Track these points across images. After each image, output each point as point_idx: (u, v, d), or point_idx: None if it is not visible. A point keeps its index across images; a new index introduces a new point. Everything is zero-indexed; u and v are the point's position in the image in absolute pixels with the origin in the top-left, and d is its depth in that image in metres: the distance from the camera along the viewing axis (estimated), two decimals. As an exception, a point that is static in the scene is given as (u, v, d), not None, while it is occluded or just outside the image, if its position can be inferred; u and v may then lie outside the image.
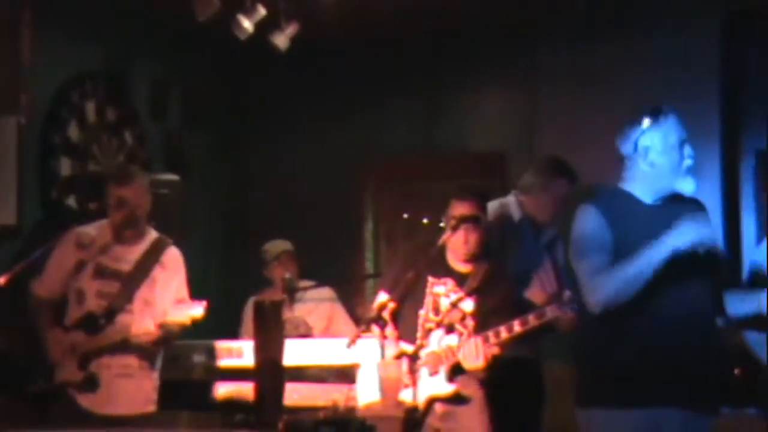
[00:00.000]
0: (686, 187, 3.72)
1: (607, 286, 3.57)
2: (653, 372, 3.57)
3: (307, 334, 5.73)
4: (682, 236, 3.53)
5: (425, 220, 6.10)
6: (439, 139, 6.70)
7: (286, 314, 5.75)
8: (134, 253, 4.56)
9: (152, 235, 4.66)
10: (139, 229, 4.59)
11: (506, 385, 4.60)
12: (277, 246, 5.97)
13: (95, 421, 4.37)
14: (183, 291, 4.67)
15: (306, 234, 6.19)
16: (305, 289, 5.85)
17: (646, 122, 3.71)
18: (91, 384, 4.42)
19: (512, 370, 4.54)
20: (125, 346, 4.47)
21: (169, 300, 4.59)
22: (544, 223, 5.02)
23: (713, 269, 3.61)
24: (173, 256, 4.65)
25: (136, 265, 4.54)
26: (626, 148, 3.75)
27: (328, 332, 5.75)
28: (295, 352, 5.09)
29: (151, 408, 4.59)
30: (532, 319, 4.20)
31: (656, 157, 3.70)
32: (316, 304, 5.89)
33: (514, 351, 4.36)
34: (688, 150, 3.71)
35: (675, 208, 3.71)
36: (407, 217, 6.78)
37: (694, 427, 3.61)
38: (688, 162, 3.71)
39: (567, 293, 4.04)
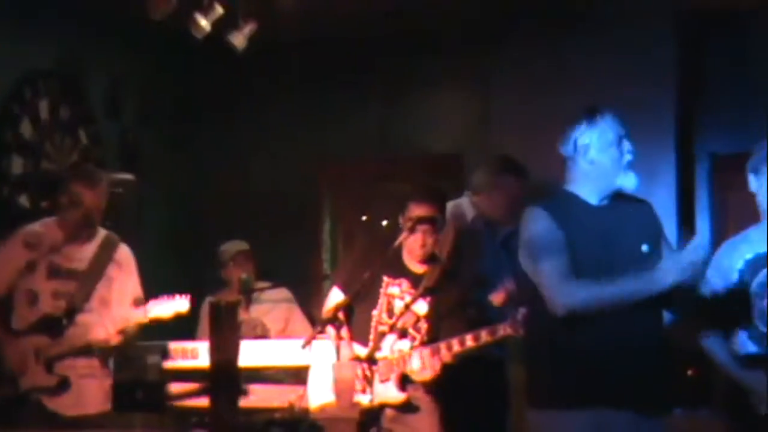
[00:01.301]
0: (627, 182, 3.76)
1: (577, 294, 3.60)
2: (600, 373, 3.60)
3: (263, 336, 5.73)
4: (662, 282, 3.57)
5: (385, 222, 6.09)
6: (396, 140, 6.69)
7: (243, 315, 5.78)
8: (87, 251, 4.51)
9: (101, 232, 4.61)
10: (94, 228, 4.54)
11: (470, 386, 4.62)
12: (234, 246, 5.95)
13: (64, 423, 4.32)
14: (138, 289, 4.64)
15: (263, 234, 6.17)
16: (261, 290, 5.84)
17: (584, 121, 3.76)
18: (64, 387, 4.38)
19: (476, 370, 4.56)
20: (95, 348, 4.43)
21: (127, 299, 4.55)
22: (500, 221, 5.05)
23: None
24: (126, 254, 4.62)
25: (90, 264, 4.50)
26: (567, 148, 3.80)
27: (284, 333, 5.74)
28: (251, 353, 5.08)
29: (109, 406, 4.54)
30: (484, 335, 4.23)
31: (595, 155, 3.75)
32: (273, 305, 5.87)
33: (479, 351, 4.37)
34: (626, 145, 3.77)
35: (620, 208, 3.76)
36: (366, 219, 6.77)
37: (643, 428, 3.64)
38: (627, 157, 3.77)
39: (522, 311, 4.06)
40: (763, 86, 6.05)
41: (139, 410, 4.92)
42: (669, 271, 3.59)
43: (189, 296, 4.51)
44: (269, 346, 5.13)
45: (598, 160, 3.75)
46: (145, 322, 4.52)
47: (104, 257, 4.52)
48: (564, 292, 3.62)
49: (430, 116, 6.66)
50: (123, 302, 4.56)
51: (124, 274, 4.58)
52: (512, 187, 5.05)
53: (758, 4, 5.93)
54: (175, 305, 4.47)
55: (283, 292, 5.90)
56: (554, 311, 3.64)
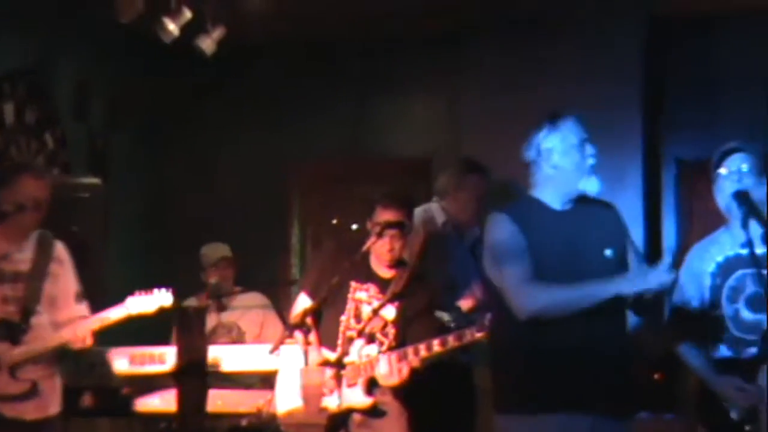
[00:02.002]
0: (590, 186, 3.75)
1: (540, 298, 3.61)
2: (566, 378, 3.61)
3: (239, 340, 5.72)
4: (626, 286, 3.59)
5: (355, 226, 6.10)
6: (366, 143, 6.70)
7: (219, 319, 5.76)
8: (26, 251, 4.37)
9: (34, 231, 4.49)
10: (34, 227, 4.43)
11: (437, 391, 4.63)
12: (215, 253, 5.92)
13: (25, 427, 4.27)
14: (77, 284, 4.54)
15: (231, 238, 6.13)
16: (230, 294, 5.83)
17: (546, 126, 3.77)
18: (33, 393, 4.32)
19: (443, 375, 4.56)
20: (62, 351, 4.38)
21: (72, 295, 4.47)
22: (468, 222, 5.08)
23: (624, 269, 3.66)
24: (63, 249, 4.47)
25: (33, 264, 4.37)
26: (530, 153, 3.81)
27: (260, 338, 5.73)
28: (219, 359, 5.06)
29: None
30: (451, 341, 4.23)
31: (558, 159, 3.75)
32: (248, 310, 5.87)
33: (446, 355, 4.37)
34: (589, 149, 3.76)
35: (584, 212, 3.77)
36: (336, 222, 6.77)
37: (607, 432, 3.66)
38: (590, 161, 3.76)
39: (488, 316, 4.07)
40: (729, 92, 6.11)
41: (105, 416, 4.91)
42: (632, 281, 3.60)
43: (171, 289, 4.40)
44: (237, 351, 5.14)
45: (561, 164, 3.76)
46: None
47: (44, 256, 4.39)
48: (526, 297, 3.63)
49: (400, 120, 6.67)
50: (69, 299, 4.44)
51: (65, 270, 4.46)
52: (477, 187, 5.12)
53: (725, 10, 5.99)
54: (159, 299, 4.37)
55: (258, 298, 5.90)
56: (517, 316, 3.65)
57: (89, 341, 4.36)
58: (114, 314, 4.34)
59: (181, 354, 4.87)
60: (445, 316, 4.65)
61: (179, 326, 4.98)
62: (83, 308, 4.42)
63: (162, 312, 4.51)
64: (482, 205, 5.07)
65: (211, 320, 5.80)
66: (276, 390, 4.56)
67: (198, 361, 4.96)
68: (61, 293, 4.41)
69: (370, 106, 6.67)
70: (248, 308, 5.86)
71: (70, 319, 4.38)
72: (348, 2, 5.78)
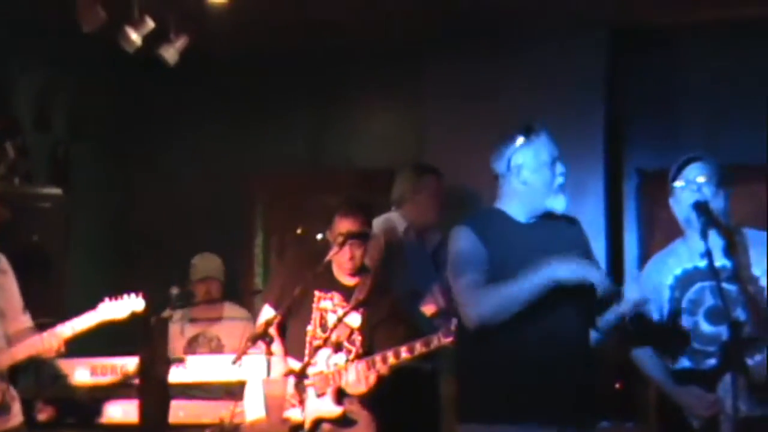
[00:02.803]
0: (557, 204, 3.75)
1: (482, 303, 3.61)
2: (525, 388, 3.62)
3: (218, 351, 5.72)
4: (560, 271, 3.58)
5: (320, 236, 6.09)
6: (329, 154, 6.70)
7: (201, 330, 5.75)
8: None
9: None
10: None
11: (402, 398, 4.63)
12: (202, 268, 5.90)
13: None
14: (19, 295, 4.51)
15: (194, 248, 6.11)
16: (197, 305, 5.83)
17: (519, 140, 3.77)
18: (6, 408, 4.30)
19: (408, 383, 4.57)
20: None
21: (19, 306, 4.43)
22: (430, 225, 5.10)
23: (589, 290, 3.66)
24: (5, 260, 4.46)
25: None
26: (499, 166, 3.79)
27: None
28: (182, 370, 5.04)
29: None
30: (418, 347, 4.24)
31: (528, 175, 3.75)
32: (229, 322, 5.86)
33: (411, 363, 4.37)
34: (559, 168, 3.75)
35: (548, 227, 3.77)
36: (300, 232, 6.76)
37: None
38: (559, 180, 3.75)
39: (454, 321, 4.08)
40: (689, 103, 6.17)
41: (68, 428, 4.87)
42: (567, 267, 3.58)
43: (142, 294, 4.39)
44: (199, 362, 5.12)
45: (531, 181, 3.75)
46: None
47: None
48: (471, 305, 3.63)
49: (364, 131, 6.68)
50: (17, 310, 4.43)
51: (10, 282, 4.45)
52: (434, 187, 5.14)
53: (686, 22, 6.05)
54: (130, 304, 4.37)
55: (236, 309, 5.91)
56: (467, 325, 3.66)
57: (62, 350, 4.35)
58: (86, 320, 4.33)
59: (143, 366, 4.85)
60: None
61: (142, 337, 4.96)
62: (29, 319, 4.40)
63: (122, 321, 4.52)
64: (441, 204, 5.11)
65: (192, 330, 5.80)
66: (243, 400, 4.55)
67: (160, 372, 4.94)
68: (8, 305, 4.38)
69: (332, 117, 6.67)
70: (228, 320, 5.86)
71: (20, 331, 4.36)
72: (310, 13, 5.78)
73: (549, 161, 3.74)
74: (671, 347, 4.01)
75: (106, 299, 4.39)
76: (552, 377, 3.62)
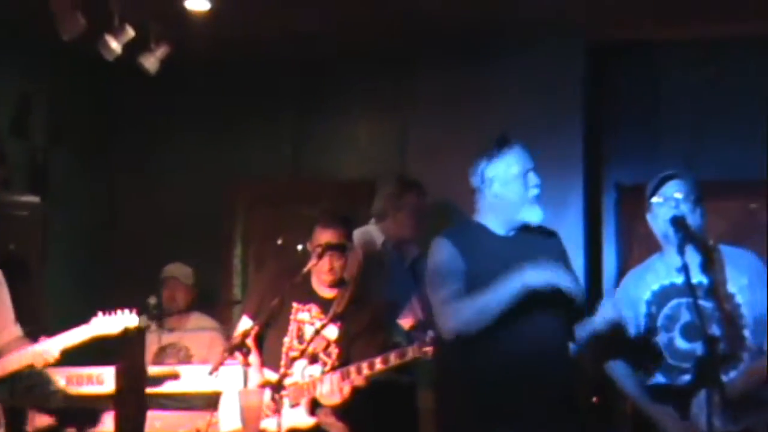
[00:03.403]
0: (531, 216, 3.77)
1: (457, 315, 3.62)
2: (504, 400, 3.62)
3: (186, 361, 5.70)
4: (531, 277, 3.59)
5: (300, 247, 6.09)
6: (310, 164, 6.69)
7: (169, 340, 5.73)
8: None
9: None
10: None
11: (380, 410, 4.63)
12: (167, 270, 5.96)
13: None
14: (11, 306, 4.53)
15: (173, 258, 6.10)
16: (170, 315, 5.81)
17: (492, 153, 3.78)
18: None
19: (386, 395, 4.57)
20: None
21: (11, 317, 4.43)
22: (407, 240, 5.09)
23: (567, 301, 3.67)
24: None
25: None
26: (475, 179, 3.82)
27: (207, 360, 5.68)
28: (158, 379, 5.02)
29: None
30: (393, 358, 4.23)
31: (500, 188, 3.77)
32: (197, 332, 5.85)
33: (388, 375, 4.37)
34: (532, 179, 3.77)
35: (526, 239, 3.78)
36: (281, 242, 6.75)
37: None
38: (533, 192, 3.77)
39: (430, 333, 4.09)
40: (668, 118, 6.20)
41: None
42: (538, 273, 3.60)
43: (136, 311, 4.38)
44: (185, 372, 5.10)
45: (502, 193, 3.77)
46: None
47: None
48: (444, 317, 3.65)
49: (345, 142, 6.67)
50: (8, 320, 4.44)
51: (3, 292, 4.46)
52: (415, 205, 5.13)
53: (665, 37, 6.08)
54: (124, 320, 4.35)
55: (204, 319, 5.90)
56: (444, 338, 3.66)
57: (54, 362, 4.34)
58: (78, 334, 4.33)
59: (120, 375, 4.82)
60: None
61: (119, 347, 4.93)
62: (19, 329, 4.39)
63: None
64: (421, 221, 5.11)
65: (160, 340, 5.77)
66: (219, 411, 4.53)
67: (137, 382, 4.92)
68: (0, 314, 4.38)
69: (313, 127, 6.66)
70: (197, 330, 5.84)
71: (10, 341, 4.35)
72: (291, 22, 5.78)
73: (521, 173, 3.76)
74: (645, 363, 4.02)
75: (99, 314, 4.38)
76: (531, 389, 3.63)
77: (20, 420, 4.65)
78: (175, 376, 4.71)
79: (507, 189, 3.77)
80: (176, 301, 5.92)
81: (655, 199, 4.02)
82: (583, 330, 3.76)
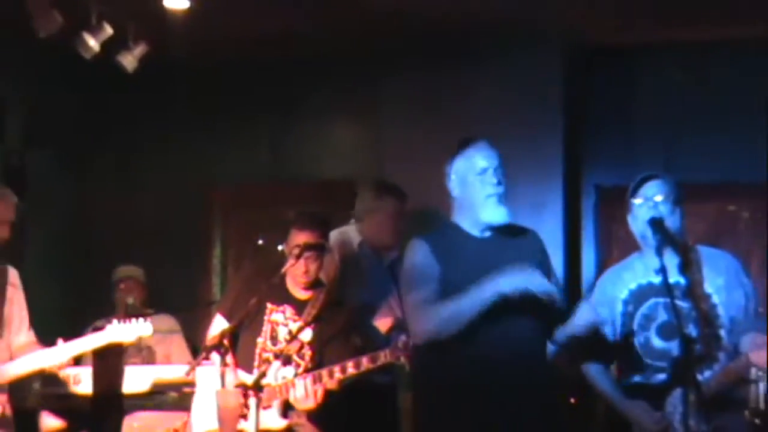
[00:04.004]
0: (493, 217, 3.70)
1: (430, 319, 3.59)
2: (479, 403, 3.61)
3: (149, 361, 5.68)
4: (505, 284, 3.57)
5: (281, 247, 6.08)
6: (288, 165, 6.67)
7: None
8: None
9: None
10: None
11: (360, 412, 4.62)
12: (124, 271, 5.93)
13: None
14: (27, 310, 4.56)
15: (152, 259, 6.08)
16: (145, 316, 5.78)
17: (456, 152, 3.77)
18: (8, 422, 4.30)
19: (366, 396, 4.56)
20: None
21: (25, 320, 4.50)
22: (385, 245, 5.08)
23: (544, 305, 3.66)
24: (15, 274, 4.55)
25: None
26: (446, 180, 3.79)
27: (168, 361, 5.68)
28: (135, 379, 5.00)
29: None
30: (365, 362, 4.24)
31: (460, 187, 3.74)
32: (158, 332, 5.81)
33: (365, 377, 4.38)
34: (491, 178, 3.70)
35: (503, 241, 3.75)
36: (261, 243, 6.73)
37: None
38: (490, 190, 3.70)
39: (403, 338, 4.08)
40: (647, 120, 6.22)
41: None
42: (510, 279, 3.56)
43: (149, 319, 4.43)
44: (153, 372, 5.08)
45: (461, 193, 3.74)
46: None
47: (2, 279, 4.43)
48: (420, 320, 3.62)
49: (323, 142, 6.66)
50: (23, 324, 4.50)
51: (20, 296, 4.52)
52: (393, 210, 5.11)
53: (645, 39, 6.10)
54: (139, 329, 4.39)
55: (168, 320, 5.86)
56: (415, 340, 3.65)
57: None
58: (93, 341, 4.39)
59: (96, 376, 4.81)
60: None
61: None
62: (33, 334, 4.50)
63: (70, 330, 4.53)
64: (399, 226, 5.09)
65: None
66: (193, 412, 4.51)
67: (113, 383, 4.91)
68: (16, 318, 4.41)
69: (293, 128, 6.64)
70: (159, 330, 5.82)
71: (24, 345, 4.43)
72: (270, 23, 5.76)
73: (480, 172, 3.70)
74: (623, 363, 4.03)
75: (114, 321, 4.42)
76: (507, 392, 3.60)
77: (32, 422, 4.65)
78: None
79: (465, 188, 3.72)
80: (135, 300, 5.89)
81: (635, 200, 4.03)
82: (562, 333, 3.75)
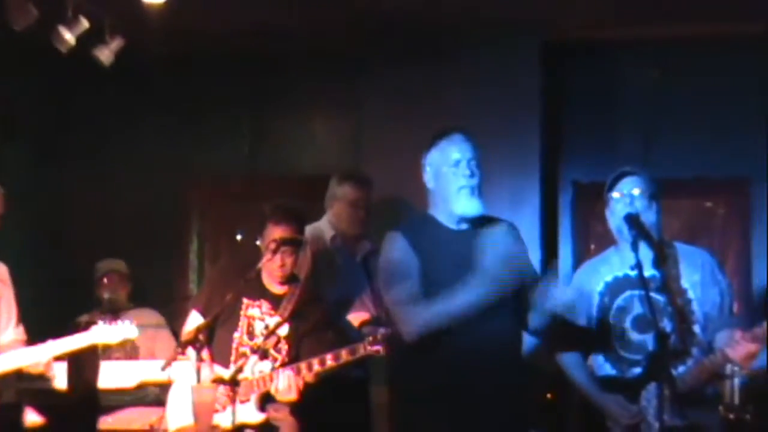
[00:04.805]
0: (466, 209, 3.68)
1: (419, 318, 3.58)
2: (454, 398, 3.60)
3: (133, 356, 5.64)
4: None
5: (258, 242, 6.07)
6: (266, 159, 6.66)
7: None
8: None
9: None
10: None
11: (333, 406, 4.62)
12: (106, 265, 5.91)
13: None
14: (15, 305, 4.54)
15: (128, 254, 6.05)
16: (126, 309, 5.76)
17: (430, 143, 3.76)
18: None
19: (339, 390, 4.55)
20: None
21: (14, 316, 4.51)
22: (349, 232, 5.09)
23: (518, 285, 3.66)
24: (5, 270, 4.51)
25: None
26: (422, 172, 3.79)
27: (154, 355, 5.65)
28: (111, 375, 4.99)
29: None
30: (344, 355, 4.23)
31: (434, 179, 3.73)
32: (142, 327, 5.78)
33: (339, 371, 4.35)
34: (464, 170, 3.67)
35: (479, 232, 3.73)
36: (240, 238, 6.71)
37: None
38: (462, 182, 3.66)
39: (381, 330, 4.07)
40: (625, 117, 6.24)
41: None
42: (484, 281, 3.56)
43: (134, 322, 4.45)
44: (129, 367, 5.07)
45: (435, 185, 3.73)
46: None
47: None
48: (409, 319, 3.60)
49: (302, 137, 6.65)
50: (12, 321, 4.50)
51: (9, 292, 4.50)
52: (353, 196, 5.11)
53: (622, 35, 6.12)
54: (124, 331, 4.40)
55: (152, 315, 5.85)
56: (404, 338, 3.63)
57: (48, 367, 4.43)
58: (77, 341, 4.38)
59: (72, 371, 4.79)
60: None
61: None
62: (22, 332, 4.49)
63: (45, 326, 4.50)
64: (360, 213, 5.09)
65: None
66: (167, 407, 4.50)
67: (89, 378, 4.90)
68: (4, 314, 4.40)
69: (270, 122, 6.63)
70: (144, 325, 5.79)
71: (11, 342, 4.44)
72: (248, 17, 5.75)
73: (453, 164, 3.67)
74: (600, 351, 4.05)
75: (100, 322, 4.43)
76: (479, 385, 3.60)
77: (16, 417, 4.62)
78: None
79: (437, 181, 3.70)
80: (118, 294, 5.88)
81: (611, 195, 4.05)
82: (540, 313, 3.72)
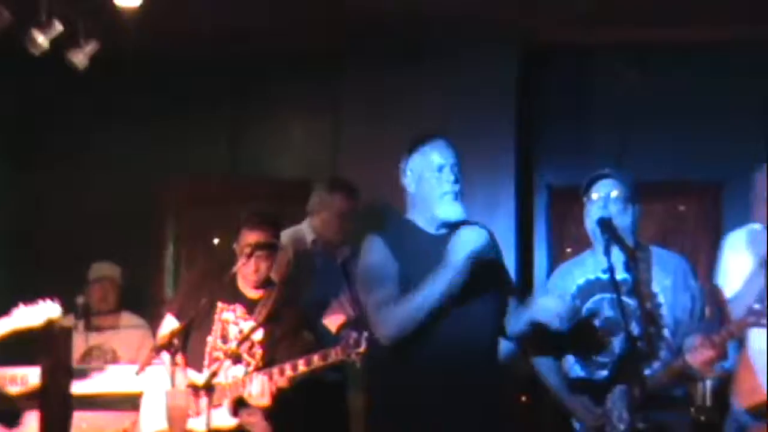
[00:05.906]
0: (449, 213, 3.68)
1: (392, 319, 3.57)
2: (429, 401, 3.60)
3: (114, 362, 5.63)
4: (456, 255, 3.56)
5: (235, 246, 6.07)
6: (244, 162, 6.65)
7: (95, 341, 5.66)
8: None
9: None
10: None
11: (308, 410, 4.61)
12: (98, 270, 5.90)
13: None
14: None
15: (102, 256, 6.03)
16: (101, 315, 5.74)
17: (411, 148, 3.77)
18: None
19: (314, 394, 4.55)
20: None
21: None
22: (334, 241, 5.09)
23: (494, 288, 3.67)
24: None
25: None
26: (401, 177, 3.79)
27: (136, 361, 5.60)
28: (84, 379, 4.96)
29: None
30: (316, 360, 4.22)
31: (416, 184, 3.73)
32: (125, 332, 5.79)
33: (319, 374, 4.36)
34: (448, 175, 3.68)
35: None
36: (217, 242, 6.69)
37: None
38: (446, 187, 3.68)
39: (354, 335, 4.07)
40: (599, 121, 6.27)
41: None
42: (458, 249, 3.55)
43: (58, 300, 4.33)
44: (104, 373, 5.04)
45: (416, 190, 3.74)
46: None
47: None
48: (379, 323, 3.61)
49: (280, 140, 6.65)
50: None
51: None
52: (341, 205, 5.14)
53: (596, 39, 6.15)
54: (46, 311, 4.31)
55: (135, 320, 5.85)
56: (381, 342, 3.63)
57: None
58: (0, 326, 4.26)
59: (45, 375, 4.75)
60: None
61: (43, 346, 4.86)
62: None
63: (26, 331, 4.43)
64: (346, 224, 5.10)
65: (85, 341, 5.69)
66: (141, 411, 4.48)
67: (63, 382, 4.85)
68: None
69: (247, 125, 6.62)
70: (124, 330, 5.78)
71: None
72: (225, 19, 5.74)
73: (435, 169, 3.68)
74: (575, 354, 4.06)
75: (21, 305, 4.31)
76: (454, 386, 3.60)
77: None
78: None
79: (420, 185, 3.71)
80: (107, 301, 5.85)
81: (586, 198, 4.06)
82: (519, 321, 3.74)
